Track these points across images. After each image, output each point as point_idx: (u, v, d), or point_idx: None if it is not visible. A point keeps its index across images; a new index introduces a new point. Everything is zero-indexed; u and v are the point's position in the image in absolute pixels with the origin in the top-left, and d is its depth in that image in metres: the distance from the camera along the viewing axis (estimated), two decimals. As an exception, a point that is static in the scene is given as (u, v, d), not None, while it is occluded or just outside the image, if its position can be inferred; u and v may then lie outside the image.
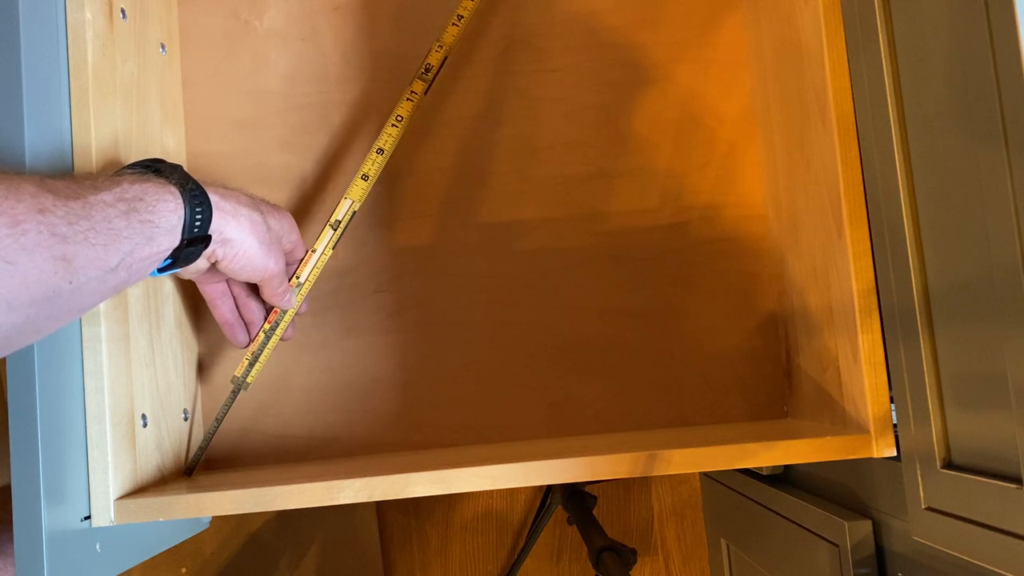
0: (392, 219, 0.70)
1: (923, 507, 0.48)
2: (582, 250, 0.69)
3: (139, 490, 0.56)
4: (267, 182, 0.69)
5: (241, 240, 0.53)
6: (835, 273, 0.55)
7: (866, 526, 0.60)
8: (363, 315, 0.69)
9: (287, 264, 0.60)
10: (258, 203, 0.56)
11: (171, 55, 0.68)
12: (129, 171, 0.50)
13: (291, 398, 0.68)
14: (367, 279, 0.69)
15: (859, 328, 0.52)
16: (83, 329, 0.53)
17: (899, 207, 0.48)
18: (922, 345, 0.47)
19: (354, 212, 0.63)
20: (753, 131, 0.70)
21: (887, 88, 0.48)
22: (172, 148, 0.67)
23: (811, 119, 0.57)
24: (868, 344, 0.52)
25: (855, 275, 0.52)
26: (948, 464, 0.46)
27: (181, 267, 0.52)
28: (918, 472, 0.49)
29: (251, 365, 0.61)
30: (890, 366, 0.51)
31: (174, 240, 0.48)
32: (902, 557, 0.57)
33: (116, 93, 0.57)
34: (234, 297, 0.61)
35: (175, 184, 0.49)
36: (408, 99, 0.64)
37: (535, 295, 0.69)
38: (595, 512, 1.05)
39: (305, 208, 0.70)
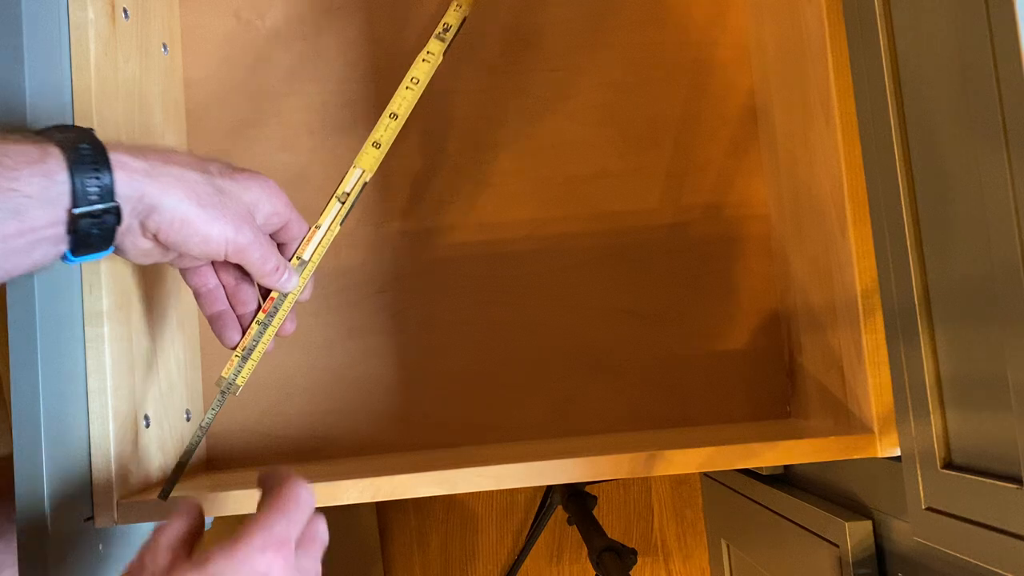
0: (393, 219, 0.70)
1: (923, 507, 0.48)
2: (584, 250, 0.69)
3: (141, 491, 0.56)
4: (268, 182, 0.69)
5: (172, 205, 0.43)
6: (838, 272, 0.56)
7: (866, 526, 0.60)
8: (365, 315, 0.69)
9: (283, 242, 0.52)
10: (206, 163, 0.46)
11: (173, 55, 0.68)
12: (18, 134, 0.40)
13: (293, 399, 0.68)
14: (369, 279, 0.69)
15: (863, 327, 0.52)
16: (86, 329, 0.53)
17: (899, 206, 0.48)
18: (922, 345, 0.47)
19: (365, 183, 0.56)
20: (755, 130, 0.70)
21: (887, 88, 0.48)
22: (173, 146, 0.67)
23: (814, 118, 0.57)
24: (871, 343, 0.52)
25: (858, 274, 0.52)
26: (948, 464, 0.46)
27: (100, 250, 0.43)
28: (918, 472, 0.49)
29: (242, 362, 0.52)
30: (891, 366, 0.51)
31: (56, 213, 0.39)
32: (902, 557, 0.57)
33: (118, 93, 0.57)
34: (224, 287, 0.52)
35: (56, 143, 0.40)
36: (425, 60, 0.57)
37: (536, 295, 0.69)
38: (595, 512, 1.05)
39: (306, 208, 0.69)
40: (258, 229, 0.48)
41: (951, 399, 0.46)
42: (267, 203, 0.49)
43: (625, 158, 0.70)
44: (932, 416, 0.47)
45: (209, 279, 0.51)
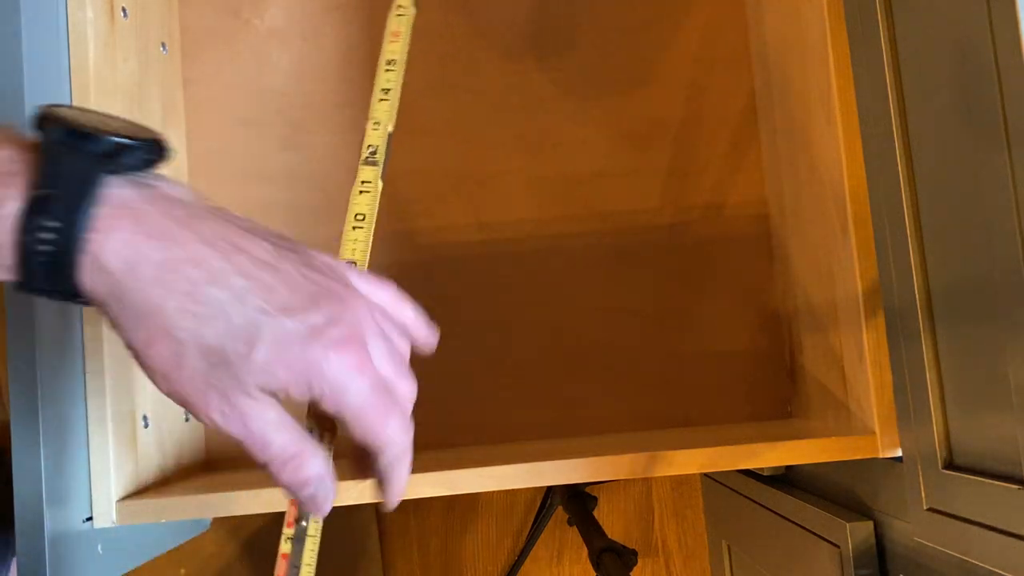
0: (393, 219, 0.69)
1: (924, 508, 0.48)
2: (584, 250, 0.69)
3: (141, 491, 0.56)
4: (268, 181, 0.69)
5: (132, 343, 0.29)
6: (839, 272, 0.55)
7: (867, 527, 0.60)
8: (364, 315, 0.69)
9: (326, 423, 0.36)
10: (280, 257, 0.30)
11: (172, 54, 0.68)
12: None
13: (293, 398, 0.68)
14: (368, 279, 0.69)
15: (864, 327, 0.52)
16: (84, 329, 0.53)
17: (901, 206, 0.48)
18: (923, 345, 0.47)
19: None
20: (756, 130, 0.70)
21: (888, 87, 0.48)
22: (173, 146, 0.67)
23: (815, 117, 0.57)
24: (873, 343, 0.52)
25: (860, 274, 0.52)
26: (949, 465, 0.46)
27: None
28: (919, 473, 0.48)
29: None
30: (892, 366, 0.51)
31: None
32: (903, 558, 0.57)
33: (117, 92, 0.57)
34: None
35: (37, 149, 0.28)
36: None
37: (537, 295, 0.69)
38: (595, 513, 1.05)
39: (307, 208, 0.69)
40: (264, 412, 0.31)
41: (952, 399, 0.46)
42: (302, 395, 0.31)
43: (625, 158, 0.70)
44: (933, 416, 0.47)
45: None
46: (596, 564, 0.90)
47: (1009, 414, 0.40)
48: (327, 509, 0.33)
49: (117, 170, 0.29)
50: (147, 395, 0.58)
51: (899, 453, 0.51)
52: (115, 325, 0.29)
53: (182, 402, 0.30)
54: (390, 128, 0.45)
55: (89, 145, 0.28)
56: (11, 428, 0.48)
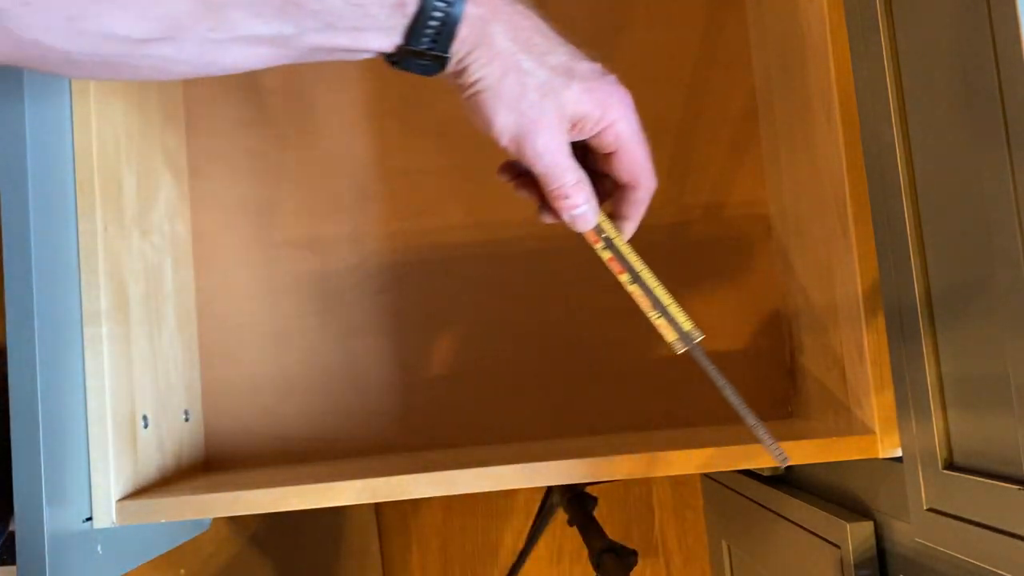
0: (393, 219, 0.69)
1: (925, 508, 0.48)
2: (583, 250, 0.69)
3: (140, 491, 0.56)
4: (268, 181, 0.69)
5: (479, 75, 0.40)
6: (840, 272, 0.55)
7: (867, 527, 0.60)
8: (365, 316, 0.69)
9: (615, 174, 0.46)
10: (550, 47, 0.42)
11: (172, 55, 0.68)
12: None
13: (292, 399, 0.68)
14: (369, 280, 0.69)
15: (864, 327, 0.52)
16: (84, 329, 0.53)
17: (901, 206, 0.48)
18: (924, 345, 0.47)
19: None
20: (756, 130, 0.70)
21: (889, 87, 0.48)
22: (173, 147, 0.67)
23: (815, 117, 0.57)
24: (873, 343, 0.52)
25: (860, 274, 0.52)
26: (950, 465, 0.46)
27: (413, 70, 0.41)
28: (920, 473, 0.48)
29: (667, 316, 0.49)
30: (892, 366, 0.51)
31: (384, 43, 0.38)
32: (903, 558, 0.57)
33: (117, 92, 0.57)
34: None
35: None
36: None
37: (536, 295, 0.69)
38: (596, 513, 1.05)
39: (307, 207, 0.69)
40: (563, 143, 0.43)
41: (953, 399, 0.46)
42: (597, 119, 0.43)
43: (625, 158, 0.70)
44: (934, 416, 0.47)
45: None
46: (596, 564, 0.90)
47: (1009, 414, 0.40)
48: (586, 227, 0.47)
49: None
50: (147, 395, 0.58)
51: (899, 453, 0.51)
52: (465, 73, 0.40)
53: (518, 129, 0.41)
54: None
55: None
56: (11, 428, 0.48)
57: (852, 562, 0.60)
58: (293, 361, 0.68)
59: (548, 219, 0.48)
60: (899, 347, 0.50)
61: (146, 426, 0.57)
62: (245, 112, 0.70)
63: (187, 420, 0.65)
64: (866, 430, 0.53)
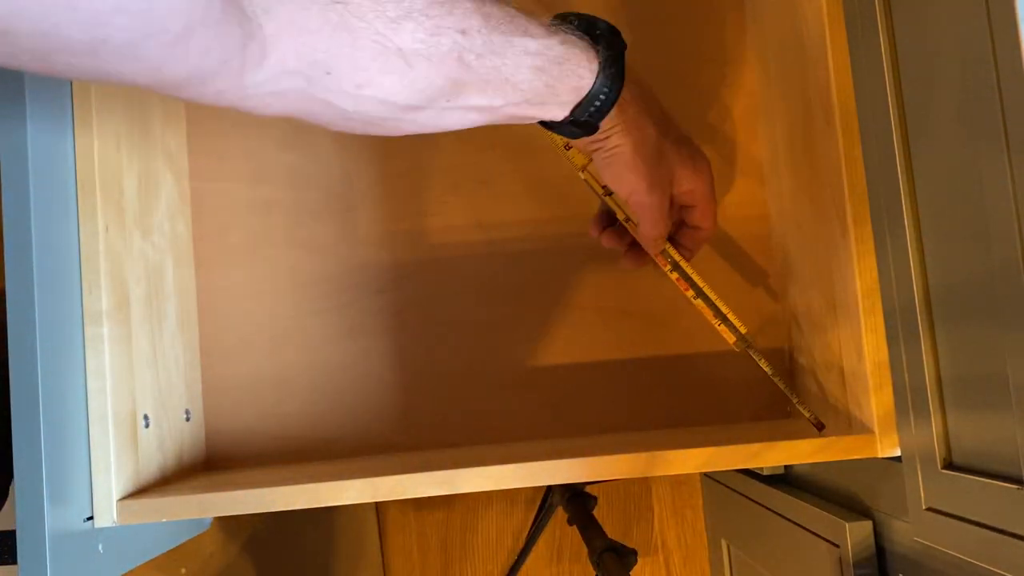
0: (394, 219, 0.70)
1: (924, 507, 0.48)
2: (583, 250, 0.69)
3: (141, 491, 0.56)
4: (269, 181, 0.69)
5: (617, 143, 0.51)
6: (839, 272, 0.55)
7: (867, 527, 0.60)
8: (365, 315, 0.69)
9: (686, 221, 0.58)
10: (668, 126, 0.55)
11: (172, 55, 0.68)
12: (566, 25, 0.47)
13: (293, 399, 0.68)
14: (369, 279, 0.69)
15: (863, 327, 0.52)
16: (85, 329, 0.53)
17: (900, 206, 0.48)
18: (923, 345, 0.47)
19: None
20: (755, 130, 0.70)
21: (888, 87, 0.48)
22: (174, 147, 0.67)
23: (815, 117, 0.57)
24: (872, 343, 0.52)
25: (859, 274, 0.52)
26: (949, 464, 0.46)
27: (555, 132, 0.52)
28: (919, 472, 0.49)
29: (726, 324, 0.60)
30: (891, 366, 0.51)
31: (558, 114, 0.48)
32: (903, 558, 0.57)
33: (117, 93, 0.57)
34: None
35: (599, 59, 0.47)
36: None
37: (536, 295, 0.69)
38: (595, 513, 1.05)
39: (307, 207, 0.70)
40: (667, 198, 0.55)
41: (952, 399, 0.46)
42: (689, 182, 0.56)
43: (625, 158, 0.70)
44: (932, 416, 0.47)
45: None
46: (596, 564, 0.90)
47: (1009, 414, 0.40)
48: (656, 254, 0.59)
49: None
50: (148, 395, 0.58)
51: (898, 453, 0.51)
52: (608, 140, 0.52)
53: (640, 188, 0.53)
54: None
55: (621, 47, 0.49)
56: (12, 428, 0.48)
57: (851, 561, 0.60)
58: (293, 361, 0.68)
59: (629, 265, 0.61)
60: (898, 346, 0.50)
61: (147, 426, 0.58)
62: (244, 113, 0.70)
63: (188, 420, 0.65)
64: (865, 430, 0.53)
